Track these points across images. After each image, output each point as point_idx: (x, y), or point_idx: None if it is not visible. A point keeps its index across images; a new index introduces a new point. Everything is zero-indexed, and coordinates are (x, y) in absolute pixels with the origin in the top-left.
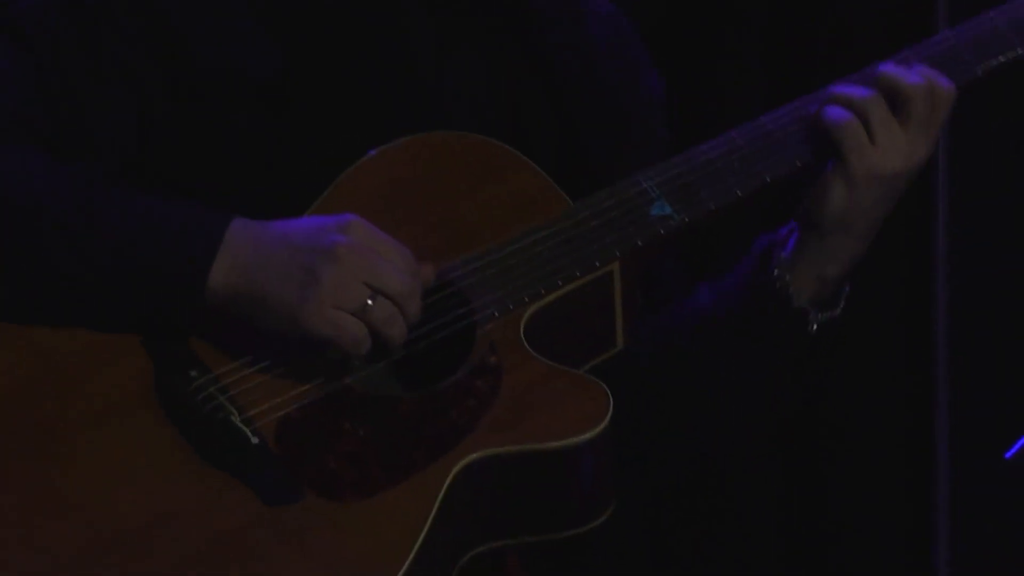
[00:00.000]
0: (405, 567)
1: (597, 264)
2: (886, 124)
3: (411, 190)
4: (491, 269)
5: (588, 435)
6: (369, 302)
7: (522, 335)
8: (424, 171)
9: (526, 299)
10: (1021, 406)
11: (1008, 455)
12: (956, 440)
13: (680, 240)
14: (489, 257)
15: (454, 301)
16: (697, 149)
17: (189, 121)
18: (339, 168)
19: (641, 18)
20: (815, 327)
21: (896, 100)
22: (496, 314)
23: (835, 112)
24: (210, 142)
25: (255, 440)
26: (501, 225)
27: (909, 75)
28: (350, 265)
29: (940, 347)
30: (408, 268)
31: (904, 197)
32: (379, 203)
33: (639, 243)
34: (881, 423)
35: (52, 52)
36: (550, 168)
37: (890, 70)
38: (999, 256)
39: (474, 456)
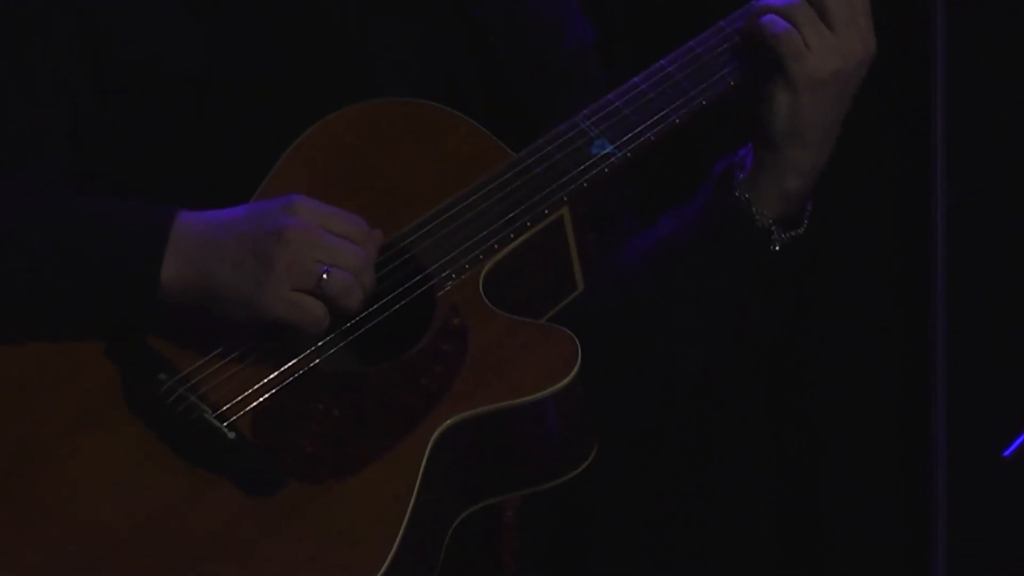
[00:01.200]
0: (398, 540)
1: (546, 211)
2: (815, 26)
3: (354, 161)
4: (442, 231)
5: (560, 384)
6: (324, 276)
7: (482, 292)
8: (365, 141)
9: (480, 256)
10: (1019, 404)
11: (1006, 453)
12: (954, 439)
13: (629, 177)
14: (438, 219)
15: (410, 268)
16: (629, 83)
17: (122, 118)
18: (276, 148)
19: None
20: (779, 247)
21: (815, 5)
22: (453, 275)
23: (772, 23)
24: (146, 137)
25: (231, 435)
26: (448, 185)
27: None
28: (300, 245)
29: (938, 345)
30: (359, 236)
31: (903, 194)
32: (323, 178)
33: (584, 184)
34: (878, 421)
35: None
36: (486, 128)
37: None
38: (998, 253)
39: (450, 421)
